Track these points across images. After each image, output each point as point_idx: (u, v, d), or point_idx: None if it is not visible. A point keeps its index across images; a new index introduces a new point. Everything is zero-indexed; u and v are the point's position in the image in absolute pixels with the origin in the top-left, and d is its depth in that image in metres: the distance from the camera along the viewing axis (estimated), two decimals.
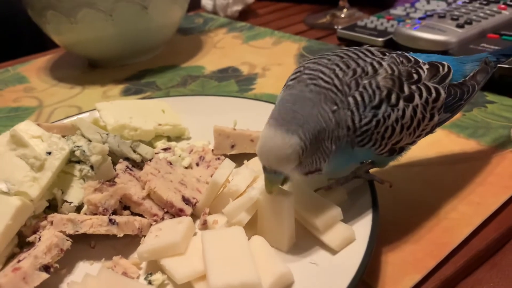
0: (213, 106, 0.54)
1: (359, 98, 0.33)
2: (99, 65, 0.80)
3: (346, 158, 0.34)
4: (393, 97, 0.33)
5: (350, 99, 0.32)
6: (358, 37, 0.73)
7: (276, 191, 0.34)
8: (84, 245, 0.38)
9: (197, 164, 0.45)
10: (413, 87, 0.34)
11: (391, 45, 0.69)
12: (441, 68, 0.37)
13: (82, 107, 0.67)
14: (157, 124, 0.50)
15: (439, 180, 0.43)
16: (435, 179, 0.43)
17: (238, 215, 0.35)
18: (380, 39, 0.71)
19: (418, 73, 0.35)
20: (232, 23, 0.95)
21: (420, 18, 0.69)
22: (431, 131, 0.37)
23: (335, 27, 0.87)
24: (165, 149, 0.48)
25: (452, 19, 0.66)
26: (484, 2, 0.72)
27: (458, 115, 0.53)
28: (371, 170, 0.39)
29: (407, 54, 0.37)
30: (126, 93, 0.70)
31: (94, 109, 0.54)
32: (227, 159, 0.40)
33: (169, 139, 0.52)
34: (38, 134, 0.38)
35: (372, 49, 0.37)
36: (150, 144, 0.50)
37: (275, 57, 0.75)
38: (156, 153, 0.46)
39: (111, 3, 0.68)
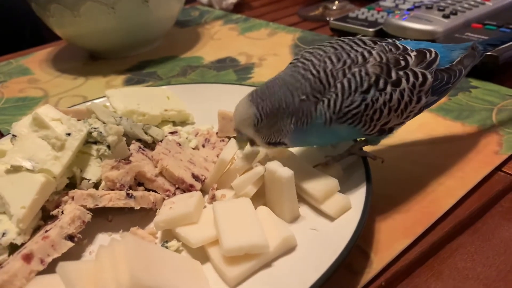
0: (214, 93, 0.58)
1: (346, 84, 0.36)
2: (100, 56, 0.83)
3: (325, 133, 0.38)
4: (381, 82, 0.37)
5: (338, 85, 0.36)
6: (350, 27, 0.77)
7: (245, 149, 0.42)
8: (102, 219, 0.41)
9: (203, 146, 0.48)
10: (401, 72, 0.38)
11: (382, 35, 0.72)
12: (428, 54, 0.40)
13: (87, 96, 0.69)
14: (163, 110, 0.53)
15: (426, 158, 0.47)
16: (423, 157, 0.47)
17: (246, 188, 0.39)
18: (371, 30, 0.74)
19: (405, 59, 0.39)
20: (227, 15, 0.98)
21: (409, 9, 0.72)
22: (419, 112, 0.41)
23: (327, 18, 0.90)
24: (172, 133, 0.51)
25: (439, 9, 0.70)
26: None
27: (444, 99, 0.57)
28: (365, 148, 0.43)
29: (396, 43, 0.41)
30: (129, 83, 0.72)
31: (101, 97, 0.57)
32: (232, 139, 0.44)
33: (174, 124, 0.55)
34: (57, 117, 0.41)
35: (364, 38, 0.40)
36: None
37: (271, 48, 0.79)
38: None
39: None
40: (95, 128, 0.42)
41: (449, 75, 0.41)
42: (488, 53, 0.57)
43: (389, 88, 0.37)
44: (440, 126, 0.52)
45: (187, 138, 0.49)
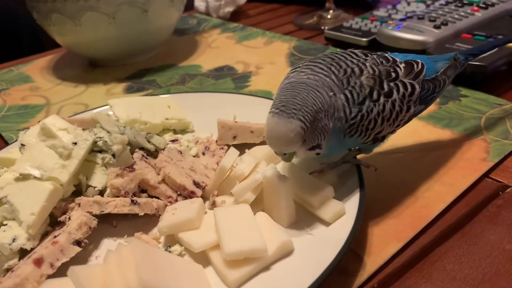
0: (213, 102, 0.60)
1: (349, 95, 0.38)
2: (100, 64, 0.85)
3: (338, 145, 0.40)
4: (375, 93, 0.39)
5: (342, 96, 0.38)
6: (344, 37, 0.79)
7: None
8: (107, 225, 0.43)
9: (203, 153, 0.50)
10: (392, 84, 0.40)
11: (375, 44, 0.75)
12: (415, 66, 0.43)
13: (88, 104, 0.71)
14: (164, 118, 0.55)
15: (417, 164, 0.49)
16: (413, 163, 0.49)
17: (245, 195, 0.41)
18: (364, 39, 0.76)
19: (396, 71, 0.41)
20: (225, 24, 1.00)
21: (401, 20, 0.75)
22: (408, 120, 0.43)
23: (322, 27, 0.93)
24: (173, 141, 0.53)
25: (430, 20, 0.73)
26: (459, 5, 0.78)
27: (434, 108, 0.59)
28: (358, 156, 0.45)
29: (386, 55, 0.43)
30: (129, 90, 0.74)
31: (103, 106, 0.59)
32: (232, 147, 0.46)
33: (175, 132, 0.57)
34: (64, 127, 0.43)
35: (356, 51, 0.42)
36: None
37: (268, 56, 0.81)
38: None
39: (114, 7, 0.73)
40: (100, 137, 0.44)
41: (435, 85, 0.43)
42: (477, 63, 0.60)
43: (382, 99, 0.39)
44: (430, 134, 0.55)
45: (187, 146, 0.51)
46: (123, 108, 0.54)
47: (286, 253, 0.37)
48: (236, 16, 1.06)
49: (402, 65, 0.42)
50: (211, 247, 0.37)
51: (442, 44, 0.67)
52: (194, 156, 0.50)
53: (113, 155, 0.43)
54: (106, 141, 0.44)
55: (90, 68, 0.85)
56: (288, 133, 0.35)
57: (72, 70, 0.85)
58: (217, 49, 0.87)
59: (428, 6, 0.85)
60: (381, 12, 0.86)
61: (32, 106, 0.72)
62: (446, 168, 0.48)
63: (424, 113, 0.58)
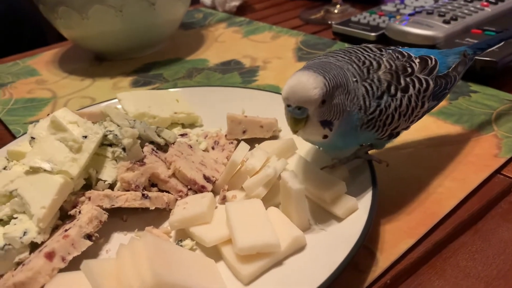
0: (221, 96, 0.59)
1: (369, 88, 0.38)
2: (106, 58, 0.84)
3: (353, 136, 0.39)
4: (392, 88, 0.38)
5: (362, 87, 0.38)
6: (352, 32, 0.78)
7: (300, 129, 0.36)
8: (117, 219, 0.43)
9: (213, 148, 0.50)
10: (408, 79, 0.40)
11: (383, 39, 0.74)
12: (429, 62, 0.42)
13: (95, 97, 0.71)
14: (173, 112, 0.55)
15: (428, 160, 0.49)
16: (424, 159, 0.49)
17: (256, 189, 0.40)
18: (373, 34, 0.76)
19: (411, 66, 0.40)
20: (231, 18, 0.99)
21: (410, 14, 0.74)
22: (422, 116, 0.43)
23: (329, 22, 0.92)
24: (182, 135, 0.52)
25: (439, 15, 0.72)
26: (468, 0, 0.77)
27: (445, 103, 0.59)
28: (370, 152, 0.44)
29: (401, 50, 0.42)
30: (136, 84, 0.74)
31: (111, 99, 0.58)
32: (242, 142, 0.45)
33: (183, 126, 0.56)
34: (74, 120, 0.43)
35: (370, 46, 0.42)
36: None
37: (275, 51, 0.80)
38: None
39: (121, 0, 0.72)
40: (110, 131, 0.43)
41: (446, 81, 0.43)
42: (487, 58, 0.59)
43: (399, 94, 0.39)
44: (440, 129, 0.54)
45: (197, 141, 0.51)
46: (132, 101, 0.54)
47: (298, 248, 0.37)
48: (242, 10, 1.05)
49: (417, 61, 0.41)
50: (223, 242, 0.37)
51: (451, 39, 0.67)
52: (203, 151, 0.49)
53: (124, 149, 0.43)
54: (116, 135, 0.43)
55: (96, 61, 0.85)
56: (310, 83, 0.34)
57: (78, 63, 0.85)
58: (224, 43, 0.86)
59: (436, 1, 0.85)
60: (389, 7, 0.85)
61: (39, 100, 0.72)
62: (457, 163, 0.48)
63: (435, 108, 0.57)
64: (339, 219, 0.39)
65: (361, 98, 0.37)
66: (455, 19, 0.70)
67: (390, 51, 0.41)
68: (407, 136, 0.52)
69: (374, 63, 0.39)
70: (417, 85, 0.40)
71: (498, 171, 0.47)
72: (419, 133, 0.53)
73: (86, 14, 0.73)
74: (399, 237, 0.40)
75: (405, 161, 0.49)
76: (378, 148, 0.44)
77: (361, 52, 0.40)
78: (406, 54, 0.42)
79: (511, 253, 0.39)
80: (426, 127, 0.54)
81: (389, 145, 0.51)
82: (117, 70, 0.79)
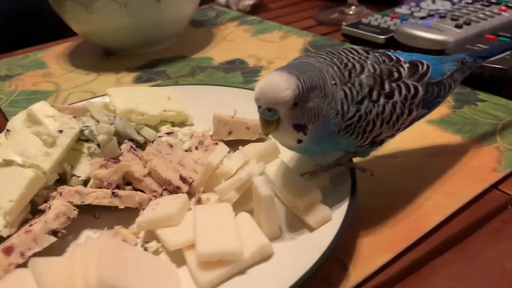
0: (215, 95, 0.58)
1: (348, 92, 0.36)
2: (114, 53, 0.84)
3: (331, 142, 0.37)
4: (375, 93, 0.36)
5: (341, 91, 0.36)
6: (361, 34, 0.76)
7: (272, 132, 0.35)
8: (90, 216, 0.42)
9: (196, 148, 0.49)
10: (394, 84, 0.37)
11: (392, 42, 0.71)
12: (420, 67, 0.40)
13: (96, 92, 0.71)
14: (162, 110, 0.54)
15: (420, 171, 0.46)
16: (417, 170, 0.46)
17: (228, 193, 0.39)
18: (381, 37, 0.73)
19: (398, 71, 0.38)
20: (243, 17, 0.98)
21: (421, 18, 0.71)
22: (409, 124, 0.40)
23: (343, 23, 0.89)
24: (168, 133, 0.51)
25: (452, 19, 0.69)
26: (486, 3, 0.73)
27: (448, 112, 0.56)
28: (355, 160, 0.42)
29: (389, 53, 0.40)
30: (138, 80, 0.73)
31: (105, 95, 0.58)
32: (222, 143, 0.44)
33: (173, 124, 0.55)
34: (51, 114, 0.42)
35: (357, 48, 0.40)
36: (156, 128, 0.54)
37: (281, 51, 0.78)
38: (159, 137, 0.50)
39: None
40: (87, 126, 0.43)
41: (439, 89, 0.40)
42: (496, 65, 0.56)
43: (382, 100, 0.37)
44: (439, 139, 0.51)
45: (181, 140, 0.50)
46: (121, 97, 0.53)
47: (264, 257, 0.35)
48: (256, 9, 1.04)
49: (406, 65, 0.39)
50: (187, 246, 0.36)
51: (462, 44, 0.64)
52: (186, 150, 0.48)
53: (98, 145, 0.42)
54: (92, 130, 0.43)
55: (104, 57, 0.85)
56: (282, 84, 0.32)
57: (87, 58, 0.85)
58: (232, 42, 0.85)
59: (454, 4, 0.81)
60: (403, 10, 0.82)
61: (42, 92, 0.73)
62: (451, 176, 0.45)
63: (436, 116, 0.55)
64: (311, 229, 0.37)
65: (339, 103, 0.35)
66: (468, 24, 0.67)
67: (377, 54, 0.39)
68: (402, 144, 0.50)
69: (357, 66, 0.37)
70: (403, 91, 0.38)
71: (495, 185, 0.44)
72: (416, 141, 0.51)
73: (91, 8, 0.73)
74: (376, 251, 0.38)
75: (396, 170, 0.47)
76: (362, 156, 0.42)
77: (346, 54, 0.38)
78: (394, 58, 0.39)
79: (497, 275, 0.36)
80: (424, 135, 0.52)
81: (380, 153, 0.48)
82: (123, 65, 0.79)
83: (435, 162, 0.47)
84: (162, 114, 0.54)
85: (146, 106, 0.53)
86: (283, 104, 0.33)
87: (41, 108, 0.42)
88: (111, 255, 0.31)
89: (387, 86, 0.37)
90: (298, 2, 1.07)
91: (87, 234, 0.41)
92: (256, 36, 0.86)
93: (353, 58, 0.38)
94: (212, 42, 0.86)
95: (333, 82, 0.35)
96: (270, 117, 0.34)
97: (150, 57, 0.81)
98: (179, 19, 0.82)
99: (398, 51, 0.42)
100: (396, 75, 0.38)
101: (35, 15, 1.21)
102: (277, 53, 0.78)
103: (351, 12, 0.94)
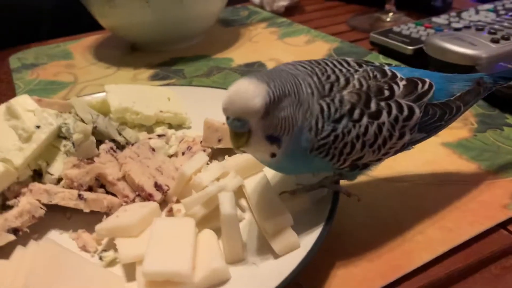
0: (219, 99, 0.55)
1: (325, 107, 0.32)
2: (139, 48, 0.84)
3: (303, 161, 0.34)
4: (356, 112, 0.33)
5: (317, 105, 0.32)
6: (389, 43, 0.71)
7: (243, 147, 0.32)
8: (61, 216, 0.41)
9: (183, 154, 0.47)
10: (382, 103, 0.33)
11: (421, 54, 0.66)
12: (420, 86, 0.35)
13: None
14: (158, 111, 0.52)
15: (419, 200, 0.42)
16: (416, 198, 0.42)
17: (193, 208, 0.36)
18: (410, 47, 0.68)
19: (391, 89, 0.34)
20: (273, 18, 0.95)
21: (456, 29, 0.65)
22: (402, 149, 0.36)
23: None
24: (159, 136, 0.50)
25: (490, 32, 0.62)
26: None
27: (468, 134, 0.51)
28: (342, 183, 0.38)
29: (384, 68, 0.36)
30: (154, 78, 0.72)
31: (102, 91, 0.57)
32: (201, 152, 0.41)
33: (170, 126, 0.53)
34: (31, 109, 0.41)
35: (349, 60, 0.36)
36: (151, 129, 0.52)
37: (303, 56, 0.75)
38: (150, 138, 0.48)
39: None
40: (65, 123, 0.42)
41: (443, 111, 0.36)
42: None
43: (365, 120, 0.33)
44: (451, 165, 0.46)
45: (167, 143, 0.48)
46: (118, 95, 0.52)
47: (218, 282, 0.33)
48: (290, 10, 1.00)
49: (402, 83, 0.35)
50: (140, 261, 0.34)
51: (495, 61, 0.58)
52: (171, 156, 0.46)
53: (73, 144, 0.41)
54: (69, 128, 0.41)
55: (130, 51, 0.85)
56: (251, 91, 0.29)
57: (112, 51, 0.85)
58: (256, 44, 0.82)
59: (498, 15, 0.74)
60: (441, 19, 0.76)
61: (59, 83, 0.73)
62: (454, 209, 0.40)
63: (454, 139, 0.50)
64: (276, 256, 0.34)
65: (314, 118, 0.32)
66: (507, 39, 0.60)
67: (369, 68, 0.35)
68: (408, 167, 0.45)
69: (342, 79, 0.33)
70: (394, 111, 0.34)
71: (503, 225, 0.39)
72: (425, 165, 0.46)
73: (113, 2, 0.73)
74: (347, 286, 0.34)
75: (391, 197, 0.42)
76: (348, 179, 0.38)
77: (333, 65, 0.35)
78: (389, 73, 0.35)
79: None
80: (436, 159, 0.47)
81: (379, 175, 0.44)
82: (144, 61, 0.78)
83: (440, 192, 0.42)
84: (158, 115, 0.52)
85: (142, 106, 0.52)
86: (253, 114, 0.30)
87: (22, 102, 0.42)
88: (46, 264, 0.30)
89: (373, 105, 0.33)
90: (335, 5, 1.03)
91: (53, 235, 0.39)
92: (281, 39, 0.83)
93: (340, 71, 0.34)
94: (237, 43, 0.84)
95: (309, 91, 0.32)
96: (240, 128, 0.31)
97: (172, 54, 0.80)
98: (205, 17, 0.80)
99: (403, 66, 0.38)
100: (387, 93, 0.34)
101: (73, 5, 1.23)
102: (298, 58, 0.73)
103: (388, 19, 0.88)
